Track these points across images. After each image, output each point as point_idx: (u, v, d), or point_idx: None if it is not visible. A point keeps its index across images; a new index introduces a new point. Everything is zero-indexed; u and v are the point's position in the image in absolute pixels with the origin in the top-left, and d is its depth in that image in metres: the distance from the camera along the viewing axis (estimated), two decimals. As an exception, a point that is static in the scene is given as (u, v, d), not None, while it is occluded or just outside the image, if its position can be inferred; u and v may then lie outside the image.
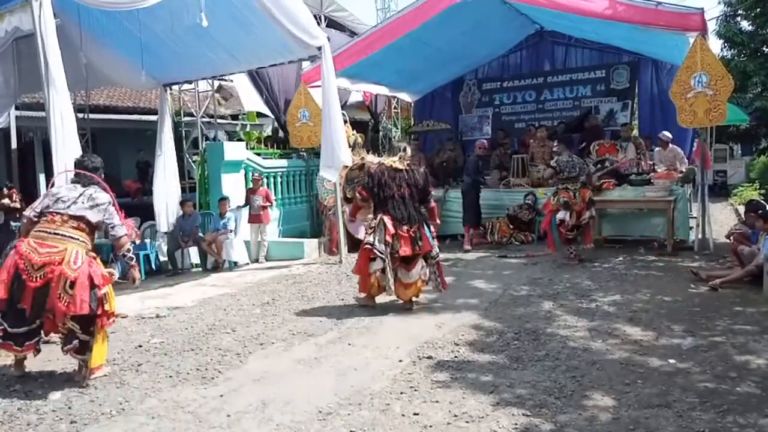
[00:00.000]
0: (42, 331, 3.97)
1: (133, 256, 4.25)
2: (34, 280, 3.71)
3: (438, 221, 6.02)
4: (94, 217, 3.97)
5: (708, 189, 8.22)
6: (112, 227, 4.07)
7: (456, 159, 11.42)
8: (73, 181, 4.17)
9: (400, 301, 5.58)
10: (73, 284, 3.70)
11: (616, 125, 10.96)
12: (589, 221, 7.33)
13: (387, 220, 5.32)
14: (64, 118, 5.17)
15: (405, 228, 5.32)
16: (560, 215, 7.17)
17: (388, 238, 5.27)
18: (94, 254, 4.01)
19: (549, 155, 10.11)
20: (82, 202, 3.97)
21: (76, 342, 3.84)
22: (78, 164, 4.27)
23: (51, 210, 3.90)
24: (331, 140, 7.78)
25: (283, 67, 9.60)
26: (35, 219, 3.92)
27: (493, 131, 12.50)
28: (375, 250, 5.29)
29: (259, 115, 13.25)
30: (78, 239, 3.90)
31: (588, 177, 7.56)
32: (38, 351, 4.07)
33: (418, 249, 5.35)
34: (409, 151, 5.86)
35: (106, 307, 3.87)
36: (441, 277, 5.62)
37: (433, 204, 5.71)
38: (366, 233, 5.51)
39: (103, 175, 4.27)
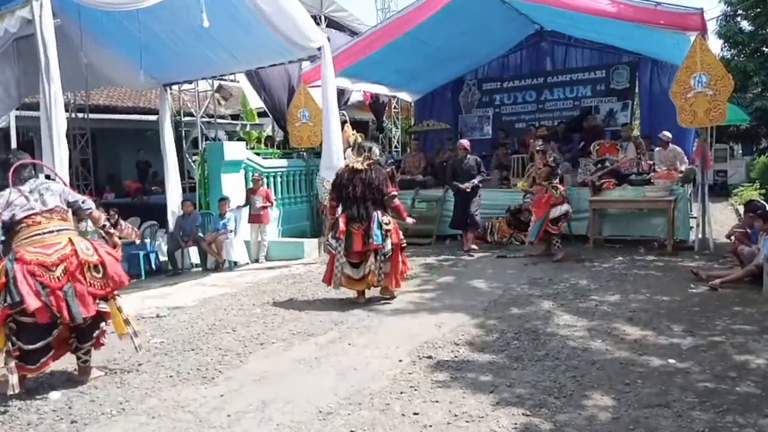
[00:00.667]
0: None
1: (112, 224, 4.22)
2: (55, 280, 3.59)
3: (407, 219, 6.20)
4: (63, 202, 3.92)
5: (708, 189, 8.22)
6: (83, 202, 4.04)
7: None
8: (5, 187, 3.91)
9: (401, 302, 5.68)
10: (97, 267, 3.75)
11: (617, 125, 10.97)
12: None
13: (341, 218, 5.73)
14: (59, 118, 5.18)
15: (357, 226, 5.64)
16: (565, 207, 7.66)
17: (339, 235, 5.66)
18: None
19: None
20: (44, 194, 3.85)
21: (98, 331, 3.89)
22: (6, 164, 3.95)
23: (22, 217, 3.73)
24: (330, 141, 7.84)
25: (282, 67, 9.62)
26: (3, 238, 3.77)
27: (493, 131, 12.51)
28: (329, 246, 5.84)
29: (260, 114, 13.26)
30: (70, 228, 3.88)
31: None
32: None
33: (368, 245, 5.60)
34: (376, 150, 6.11)
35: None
36: (393, 276, 5.75)
37: (396, 203, 5.88)
38: (327, 230, 6.14)
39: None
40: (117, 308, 3.97)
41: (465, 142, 8.99)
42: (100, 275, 3.76)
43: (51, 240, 3.71)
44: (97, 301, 3.79)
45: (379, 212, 5.68)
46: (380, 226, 5.62)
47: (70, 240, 3.74)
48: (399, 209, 5.93)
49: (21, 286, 3.48)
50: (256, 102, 12.33)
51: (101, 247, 3.88)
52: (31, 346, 3.61)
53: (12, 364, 3.58)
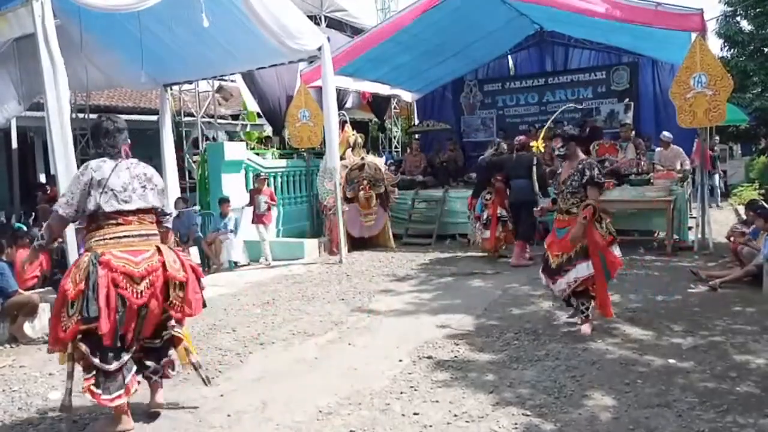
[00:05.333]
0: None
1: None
2: (137, 295, 3.02)
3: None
4: (160, 203, 3.32)
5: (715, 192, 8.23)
6: (167, 217, 3.41)
7: (456, 159, 11.45)
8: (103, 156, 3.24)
9: (401, 302, 5.70)
10: (182, 285, 3.18)
11: (619, 126, 10.96)
12: None
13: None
14: (64, 118, 5.15)
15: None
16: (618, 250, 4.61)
17: (469, 208, 8.17)
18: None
19: (549, 156, 10.10)
20: (146, 186, 3.23)
21: (167, 359, 3.34)
22: (104, 129, 3.25)
23: (112, 211, 3.09)
24: (329, 141, 7.88)
25: (275, 72, 9.64)
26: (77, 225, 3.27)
27: (497, 133, 12.52)
28: None
29: (260, 115, 13.25)
30: (157, 234, 3.29)
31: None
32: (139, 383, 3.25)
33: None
34: (504, 145, 8.03)
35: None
36: (489, 240, 7.74)
37: (496, 186, 7.74)
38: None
39: (127, 139, 3.37)
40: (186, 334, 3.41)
41: (522, 138, 8.04)
42: (182, 295, 3.18)
43: (140, 246, 3.12)
44: (172, 323, 3.26)
45: (486, 190, 7.74)
46: (482, 201, 7.74)
47: (158, 249, 3.17)
48: (498, 191, 7.70)
49: (101, 300, 2.91)
50: (254, 104, 12.30)
51: (187, 262, 3.30)
52: (110, 367, 2.99)
53: (71, 385, 3.04)
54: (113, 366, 3.01)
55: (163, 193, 3.37)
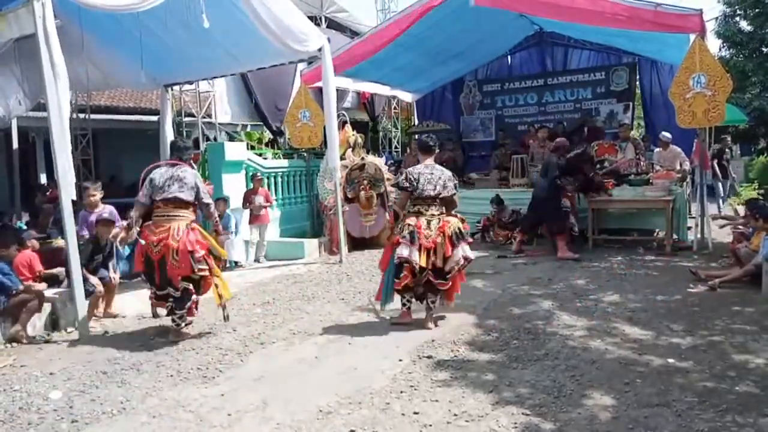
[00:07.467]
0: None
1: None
2: (154, 255, 4.68)
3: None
4: (190, 195, 4.83)
5: (707, 189, 8.23)
6: (205, 203, 5.03)
7: (456, 159, 11.46)
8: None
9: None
10: (177, 252, 4.60)
11: (618, 127, 11.01)
12: (459, 268, 4.87)
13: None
14: (64, 119, 5.15)
15: None
16: (401, 251, 4.72)
17: None
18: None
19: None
20: (173, 185, 4.79)
21: (189, 303, 4.87)
22: (176, 146, 5.18)
23: (157, 199, 4.79)
24: (330, 141, 7.90)
25: (274, 73, 9.64)
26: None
27: (496, 133, 12.54)
28: None
29: (245, 125, 13.28)
30: (182, 216, 4.78)
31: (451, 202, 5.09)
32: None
33: None
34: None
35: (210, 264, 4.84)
36: None
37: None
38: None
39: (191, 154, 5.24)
40: (215, 284, 4.93)
41: (562, 140, 8.52)
42: (177, 258, 4.61)
43: (163, 223, 4.72)
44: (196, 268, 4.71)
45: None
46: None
47: (172, 226, 4.67)
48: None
49: (136, 254, 4.92)
50: (224, 116, 12.26)
51: (188, 237, 4.66)
52: (159, 292, 4.89)
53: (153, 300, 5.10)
54: (158, 292, 4.89)
55: (192, 189, 4.84)
